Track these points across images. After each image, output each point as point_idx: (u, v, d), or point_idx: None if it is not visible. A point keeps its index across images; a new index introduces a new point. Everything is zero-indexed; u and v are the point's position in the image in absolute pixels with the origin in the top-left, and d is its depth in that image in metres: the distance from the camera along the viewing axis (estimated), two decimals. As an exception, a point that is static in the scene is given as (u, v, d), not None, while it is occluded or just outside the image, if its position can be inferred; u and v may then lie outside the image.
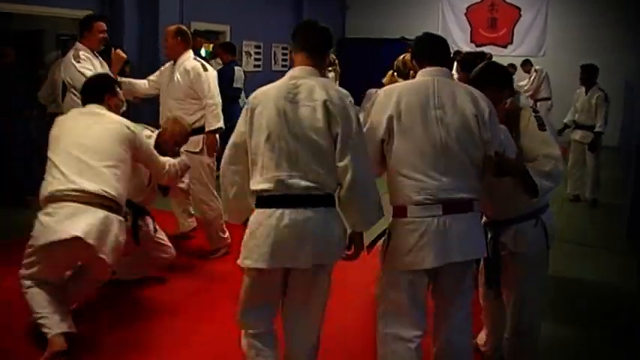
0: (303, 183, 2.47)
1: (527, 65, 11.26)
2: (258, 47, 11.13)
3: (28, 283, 3.40)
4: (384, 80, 5.32)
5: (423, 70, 2.69)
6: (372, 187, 2.58)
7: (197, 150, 4.80)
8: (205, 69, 4.82)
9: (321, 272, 2.64)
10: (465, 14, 13.76)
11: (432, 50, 2.75)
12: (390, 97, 2.62)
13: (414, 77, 2.85)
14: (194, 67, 4.77)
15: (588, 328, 4.10)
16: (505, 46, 13.27)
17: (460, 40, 13.66)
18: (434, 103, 2.58)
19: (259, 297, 2.65)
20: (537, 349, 3.18)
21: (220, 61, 8.36)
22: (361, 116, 2.79)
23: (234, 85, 7.87)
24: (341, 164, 2.49)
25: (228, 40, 10.23)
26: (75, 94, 4.84)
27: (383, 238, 2.74)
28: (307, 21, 2.77)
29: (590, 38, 12.11)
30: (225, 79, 7.85)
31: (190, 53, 4.93)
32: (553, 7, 12.93)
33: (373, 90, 3.99)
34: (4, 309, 3.96)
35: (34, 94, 6.65)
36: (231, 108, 7.17)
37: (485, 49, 13.02)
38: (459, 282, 2.69)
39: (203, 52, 10.29)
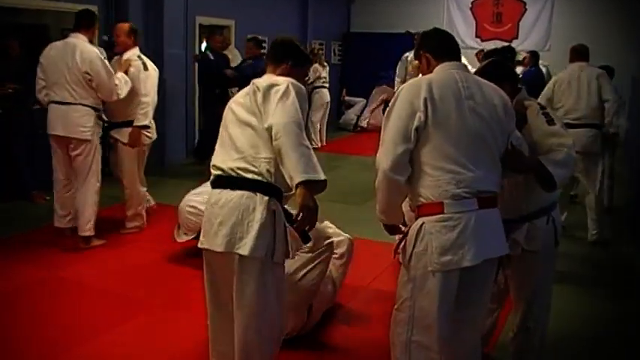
0: (237, 164, 2.59)
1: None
2: (263, 42, 11.05)
3: None
4: (410, 70, 5.16)
5: (443, 64, 2.61)
6: (300, 140, 2.46)
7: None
8: (146, 68, 5.22)
9: (248, 263, 2.53)
10: (470, 9, 13.70)
11: (450, 45, 2.72)
12: (417, 86, 2.49)
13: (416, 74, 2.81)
14: (135, 66, 5.18)
15: (590, 327, 4.11)
16: (510, 41, 13.17)
17: (465, 35, 13.61)
18: (464, 93, 2.49)
19: (207, 281, 2.76)
20: (544, 345, 3.18)
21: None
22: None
23: None
24: (266, 124, 2.52)
25: (233, 34, 10.23)
26: (88, 86, 4.83)
27: (406, 239, 2.55)
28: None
29: (597, 33, 12.03)
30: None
31: (136, 50, 5.32)
32: (558, 1, 12.87)
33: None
34: (5, 302, 3.99)
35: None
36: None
37: (491, 44, 13.00)
38: (487, 280, 2.59)
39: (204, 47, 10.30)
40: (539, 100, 5.31)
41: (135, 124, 5.16)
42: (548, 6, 13.01)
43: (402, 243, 2.58)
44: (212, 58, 8.30)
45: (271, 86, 2.61)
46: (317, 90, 10.74)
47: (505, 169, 2.61)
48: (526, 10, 13.21)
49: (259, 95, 2.59)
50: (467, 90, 2.50)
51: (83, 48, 4.83)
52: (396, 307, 2.59)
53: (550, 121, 2.89)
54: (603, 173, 6.69)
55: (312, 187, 2.40)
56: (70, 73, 4.80)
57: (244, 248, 2.50)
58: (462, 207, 2.41)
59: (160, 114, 8.47)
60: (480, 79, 2.63)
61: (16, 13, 7.93)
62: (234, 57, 9.72)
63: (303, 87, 2.70)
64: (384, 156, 2.47)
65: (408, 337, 2.51)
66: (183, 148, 9.10)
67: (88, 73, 4.79)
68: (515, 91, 2.99)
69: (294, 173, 2.39)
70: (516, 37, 13.25)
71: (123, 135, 5.21)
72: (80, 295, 4.16)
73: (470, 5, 13.70)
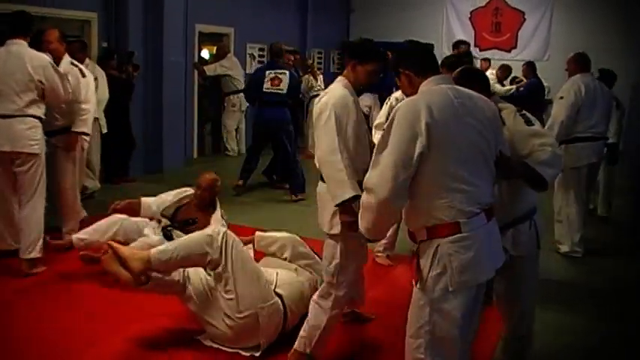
0: None
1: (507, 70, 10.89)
2: (262, 50, 11.12)
3: None
4: None
5: (430, 80, 2.52)
6: (334, 168, 3.03)
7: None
8: (84, 75, 5.11)
9: (331, 239, 3.20)
10: (470, 18, 13.75)
11: (431, 59, 2.65)
12: (416, 110, 2.36)
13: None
14: (73, 73, 5.00)
15: (588, 332, 4.10)
16: (509, 51, 13.25)
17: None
18: (461, 110, 2.42)
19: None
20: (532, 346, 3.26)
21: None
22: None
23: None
24: None
25: (232, 42, 10.26)
26: (37, 96, 4.51)
27: (419, 264, 2.47)
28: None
29: (595, 42, 12.05)
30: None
31: (67, 57, 5.14)
32: (557, 11, 12.91)
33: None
34: (6, 312, 3.97)
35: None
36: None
37: (490, 53, 13.06)
38: (483, 292, 2.61)
39: (207, 55, 10.32)
40: (565, 111, 5.32)
41: (73, 129, 5.02)
42: (547, 16, 13.04)
43: (416, 267, 2.49)
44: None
45: (319, 115, 3.10)
46: (313, 99, 10.81)
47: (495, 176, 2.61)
48: (525, 19, 13.25)
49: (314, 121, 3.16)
50: (462, 107, 2.43)
51: (33, 56, 4.50)
52: (409, 334, 2.51)
53: (528, 122, 2.93)
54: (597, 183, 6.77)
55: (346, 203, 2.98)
56: (18, 83, 4.42)
57: (325, 228, 3.20)
58: (476, 224, 2.40)
59: (158, 120, 8.55)
60: (470, 91, 2.56)
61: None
62: (233, 65, 9.75)
63: (349, 99, 3.13)
64: (382, 183, 2.38)
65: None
66: (182, 154, 9.11)
67: (41, 82, 4.47)
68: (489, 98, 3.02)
69: (331, 199, 3.05)
70: (515, 47, 13.29)
71: (62, 141, 5.04)
72: (76, 305, 4.13)
73: (469, 15, 13.74)
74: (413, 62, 2.61)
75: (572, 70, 5.68)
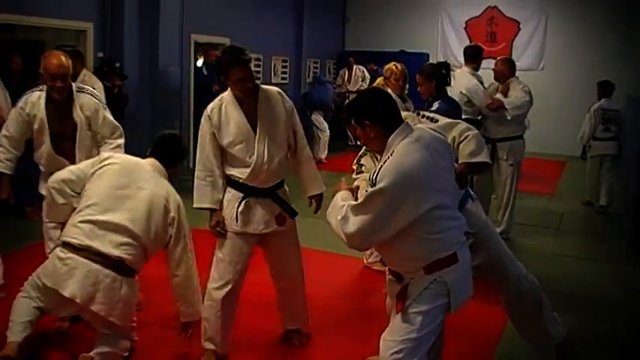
0: None
1: None
2: (258, 60, 11.15)
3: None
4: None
5: (399, 132, 2.50)
6: None
7: None
8: None
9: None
10: (465, 28, 13.81)
11: (394, 106, 2.62)
12: (405, 177, 2.39)
13: None
14: None
15: (583, 332, 4.09)
16: (504, 60, 13.30)
17: (459, 54, 13.65)
18: (434, 155, 2.49)
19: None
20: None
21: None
22: None
23: None
24: None
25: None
26: None
27: (409, 289, 2.55)
28: None
29: (590, 52, 12.16)
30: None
31: None
32: (552, 21, 12.99)
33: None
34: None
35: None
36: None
37: (484, 62, 13.03)
38: None
39: (199, 63, 10.33)
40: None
41: None
42: (541, 26, 13.12)
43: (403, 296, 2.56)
44: (205, 73, 8.68)
45: None
46: None
47: None
48: (520, 29, 13.33)
49: None
50: (434, 152, 2.51)
51: None
52: (392, 338, 2.54)
53: (432, 119, 3.14)
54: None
55: None
56: None
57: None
58: (465, 247, 2.60)
59: (153, 130, 8.53)
60: (428, 131, 2.62)
61: (14, 30, 7.96)
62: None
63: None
64: (355, 234, 2.44)
65: None
66: (178, 165, 9.09)
67: None
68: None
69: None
70: (510, 57, 13.34)
71: None
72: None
73: (464, 24, 13.81)
74: (380, 115, 2.54)
75: (506, 73, 6.33)
